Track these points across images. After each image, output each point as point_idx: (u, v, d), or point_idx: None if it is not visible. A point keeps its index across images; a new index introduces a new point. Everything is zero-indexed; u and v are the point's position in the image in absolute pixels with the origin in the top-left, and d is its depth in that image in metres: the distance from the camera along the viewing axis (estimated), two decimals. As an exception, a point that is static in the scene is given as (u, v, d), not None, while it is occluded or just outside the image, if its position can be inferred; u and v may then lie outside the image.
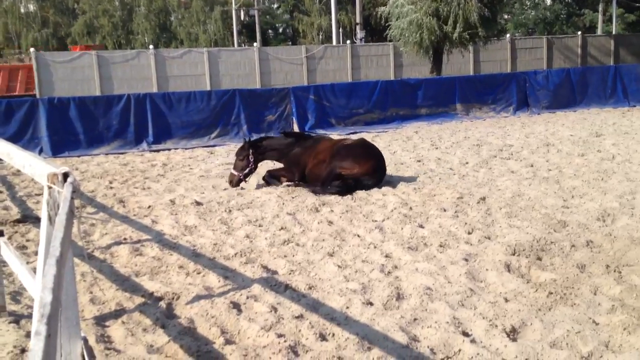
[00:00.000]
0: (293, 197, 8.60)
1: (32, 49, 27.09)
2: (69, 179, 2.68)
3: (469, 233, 6.52)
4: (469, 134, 15.28)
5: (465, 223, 6.85)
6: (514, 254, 5.74)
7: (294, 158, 9.45)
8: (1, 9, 63.35)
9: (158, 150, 14.61)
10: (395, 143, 14.14)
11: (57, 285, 1.57)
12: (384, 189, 8.90)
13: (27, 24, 62.11)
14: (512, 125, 16.86)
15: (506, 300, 4.72)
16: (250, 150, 9.43)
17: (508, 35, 33.28)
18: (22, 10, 63.80)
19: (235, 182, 9.43)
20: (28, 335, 4.33)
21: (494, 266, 5.44)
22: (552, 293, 4.79)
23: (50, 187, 2.70)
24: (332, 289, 5.07)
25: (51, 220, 2.61)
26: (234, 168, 9.54)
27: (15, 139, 12.84)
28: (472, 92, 19.09)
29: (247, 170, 9.41)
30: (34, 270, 4.16)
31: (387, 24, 24.68)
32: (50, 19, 63.71)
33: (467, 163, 10.92)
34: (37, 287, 2.50)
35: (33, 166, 3.26)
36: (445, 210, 7.46)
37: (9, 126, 14.08)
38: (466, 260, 5.66)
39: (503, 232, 6.47)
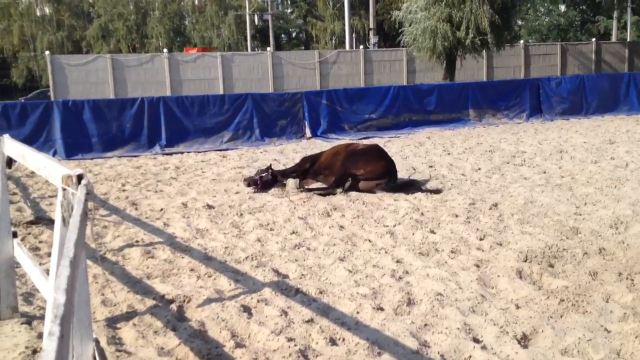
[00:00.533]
0: (304, 202, 8.61)
1: (47, 52, 27.39)
2: (83, 181, 2.70)
3: (481, 239, 6.49)
4: (481, 140, 15.23)
5: (477, 229, 6.83)
6: (525, 261, 5.71)
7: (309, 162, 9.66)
8: (17, 12, 64.07)
9: (171, 154, 14.69)
10: (408, 148, 14.12)
11: (70, 287, 1.59)
12: (396, 194, 8.89)
13: (43, 27, 62.73)
14: (525, 131, 16.78)
15: (517, 306, 4.69)
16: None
17: (522, 41, 33.17)
18: (38, 14, 64.49)
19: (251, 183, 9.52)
20: (40, 336, 4.36)
21: (505, 272, 5.42)
22: (563, 300, 4.76)
23: (64, 189, 2.73)
24: (343, 294, 5.07)
25: (65, 221, 2.64)
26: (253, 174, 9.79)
27: (29, 141, 12.97)
28: (485, 98, 19.03)
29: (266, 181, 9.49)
30: (47, 271, 4.20)
31: (400, 30, 24.70)
32: (66, 22, 64.32)
33: (479, 169, 10.89)
34: (50, 288, 2.53)
35: (47, 168, 3.29)
36: (457, 216, 7.44)
37: (24, 128, 14.23)
38: (477, 266, 5.64)
39: (515, 239, 6.44)
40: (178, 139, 15.33)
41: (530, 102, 19.59)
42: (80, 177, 2.73)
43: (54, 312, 1.45)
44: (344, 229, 7.14)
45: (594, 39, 35.08)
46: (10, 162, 4.66)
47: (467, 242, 6.42)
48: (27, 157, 3.88)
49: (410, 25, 23.60)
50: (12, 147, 4.39)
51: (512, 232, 6.70)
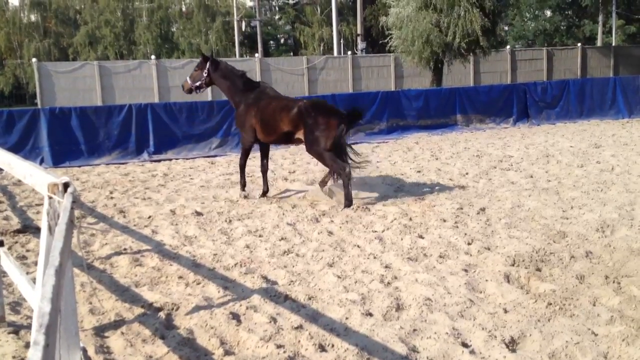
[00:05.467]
0: (293, 207, 8.61)
1: (34, 59, 27.23)
2: (69, 189, 2.69)
3: (469, 244, 6.52)
4: (469, 144, 15.31)
5: (465, 234, 6.86)
6: (513, 265, 5.75)
7: (245, 112, 9.46)
8: (3, 19, 63.66)
9: (159, 161, 14.63)
10: (396, 154, 14.17)
11: (56, 296, 1.58)
12: (384, 199, 8.92)
13: (29, 34, 62.37)
14: (512, 136, 16.90)
15: (505, 311, 4.72)
16: (207, 66, 9.81)
17: (508, 46, 33.40)
18: (24, 21, 64.10)
19: (186, 89, 10.07)
20: (27, 345, 4.33)
21: (493, 277, 5.45)
22: (551, 304, 4.79)
23: (50, 197, 2.72)
24: (332, 300, 5.07)
25: (51, 230, 2.63)
26: (190, 76, 10.07)
27: (16, 149, 12.91)
28: (472, 103, 19.14)
29: (198, 83, 9.90)
30: (34, 280, 4.17)
31: (388, 35, 24.78)
32: (52, 29, 63.96)
33: (467, 174, 10.95)
34: (37, 297, 2.51)
35: (34, 176, 3.28)
36: (445, 221, 7.48)
37: (11, 136, 14.12)
38: (466, 271, 5.67)
39: (503, 243, 6.48)
40: (166, 146, 15.28)
41: (517, 107, 19.74)
42: (66, 185, 2.73)
43: (39, 321, 1.44)
44: (333, 234, 7.15)
45: (579, 44, 35.39)
46: (-5, 170, 4.64)
47: (455, 246, 6.44)
48: (13, 165, 3.86)
49: (398, 30, 23.68)
50: (-2, 155, 4.36)
51: (499, 237, 6.74)
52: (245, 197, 9.47)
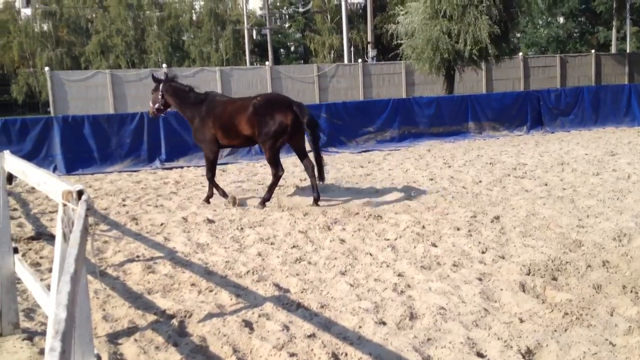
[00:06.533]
0: (305, 215, 8.59)
1: (46, 68, 27.48)
2: (83, 197, 2.69)
3: (483, 252, 6.46)
4: (482, 152, 15.24)
5: (479, 242, 6.80)
6: (528, 274, 5.68)
7: (202, 124, 9.61)
8: (16, 28, 64.38)
9: (171, 168, 14.68)
10: (408, 161, 14.12)
11: (71, 302, 1.57)
12: (397, 207, 8.88)
13: (42, 43, 63.00)
14: (525, 144, 16.80)
15: (521, 320, 4.66)
16: (160, 86, 10.00)
17: (520, 53, 33.29)
18: (37, 30, 64.78)
19: (150, 114, 10.37)
20: (42, 352, 4.33)
21: (508, 286, 5.38)
22: (568, 314, 4.73)
23: (64, 205, 2.71)
24: (345, 308, 5.03)
25: (65, 237, 2.62)
26: (150, 101, 10.27)
27: (30, 156, 12.99)
28: (485, 110, 19.07)
29: (157, 106, 10.09)
30: (48, 287, 4.17)
31: (398, 42, 24.78)
32: (65, 38, 64.59)
33: (480, 182, 10.88)
34: (51, 304, 2.51)
35: (48, 184, 3.28)
36: (458, 229, 7.42)
37: (24, 144, 14.24)
38: (480, 279, 5.61)
39: (517, 252, 6.41)
40: (178, 154, 15.33)
41: (530, 114, 19.64)
42: (80, 193, 2.72)
43: (55, 327, 1.43)
44: (345, 242, 7.11)
45: (593, 51, 35.20)
46: (10, 178, 4.65)
47: (469, 255, 6.39)
48: (28, 173, 3.87)
49: (409, 38, 23.68)
50: (13, 163, 4.38)
51: (514, 245, 6.67)
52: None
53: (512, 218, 7.92)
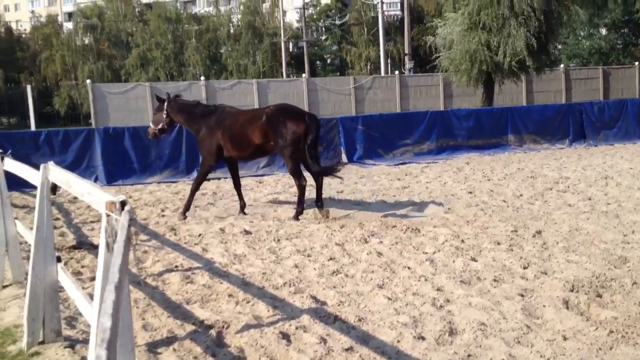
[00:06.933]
0: (341, 228, 8.55)
1: (88, 81, 28.17)
2: (126, 208, 2.72)
3: (525, 267, 6.33)
4: (522, 165, 14.99)
5: (521, 257, 6.66)
6: (572, 290, 5.53)
7: (208, 134, 9.68)
8: (59, 41, 66.22)
9: (208, 179, 14.76)
10: (446, 174, 13.98)
11: (116, 311, 1.57)
12: (435, 220, 8.78)
13: (84, 57, 64.64)
14: (568, 157, 16.46)
15: (565, 338, 4.53)
16: (165, 105, 9.96)
17: (562, 65, 32.75)
18: (79, 43, 66.52)
19: (151, 134, 10.24)
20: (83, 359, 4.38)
21: (551, 302, 5.25)
22: (613, 332, 4.58)
23: (108, 215, 2.75)
24: (383, 322, 4.97)
25: (109, 247, 2.65)
26: (152, 121, 10.27)
27: (72, 167, 13.26)
28: (525, 123, 18.75)
29: (160, 126, 10.03)
30: (90, 295, 4.23)
31: (436, 55, 24.67)
32: (106, 51, 66.17)
33: (521, 195, 10.68)
34: (95, 312, 2.53)
35: (91, 194, 3.33)
36: (499, 244, 7.28)
37: (67, 155, 14.54)
38: (522, 295, 5.49)
39: (560, 268, 6.25)
40: (216, 165, 15.45)
41: (572, 127, 19.23)
42: (123, 204, 2.75)
43: (101, 336, 1.43)
44: (382, 255, 7.04)
45: (637, 63, 34.42)
46: (54, 188, 4.74)
47: (510, 270, 6.26)
48: (72, 183, 3.94)
49: (447, 50, 23.55)
50: (57, 174, 4.47)
51: (557, 261, 6.51)
52: (183, 219, 9.56)
53: (554, 233, 7.74)
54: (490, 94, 24.46)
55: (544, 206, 9.64)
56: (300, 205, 9.44)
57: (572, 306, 5.17)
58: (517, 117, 18.72)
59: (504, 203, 10.04)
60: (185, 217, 9.61)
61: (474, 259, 6.70)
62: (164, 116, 9.92)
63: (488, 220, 8.67)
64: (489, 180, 12.74)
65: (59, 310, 4.78)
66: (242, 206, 10.01)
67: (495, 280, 5.93)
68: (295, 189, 10.85)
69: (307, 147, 9.23)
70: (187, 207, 9.79)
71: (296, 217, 9.31)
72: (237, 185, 10.19)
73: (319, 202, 9.54)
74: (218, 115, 9.71)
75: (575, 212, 8.99)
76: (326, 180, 13.46)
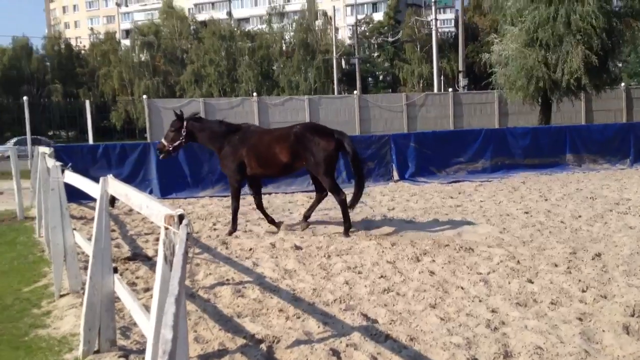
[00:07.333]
0: (392, 245, 8.47)
1: (144, 96, 28.98)
2: (184, 221, 2.75)
3: (583, 291, 6.11)
4: (581, 185, 14.56)
5: (579, 280, 6.44)
6: (633, 315, 5.31)
7: (232, 152, 9.63)
8: (116, 58, 68.44)
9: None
10: (501, 193, 13.70)
11: (176, 323, 1.58)
12: (489, 240, 8.61)
13: (140, 73, 66.60)
14: (629, 178, 15.90)
15: (627, 365, 4.34)
16: (185, 124, 9.75)
17: (623, 84, 31.81)
18: (136, 60, 68.62)
19: (163, 152, 9.91)
20: (136, 370, 4.44)
21: (611, 327, 5.05)
22: (678, 360, 4.37)
23: (166, 228, 2.79)
24: (435, 342, 4.88)
25: (166, 259, 2.68)
26: (165, 138, 9.93)
27: (128, 180, 13.59)
28: (584, 142, 18.22)
29: (176, 143, 9.77)
30: (144, 306, 4.29)
31: (491, 72, 24.35)
32: (161, 68, 68.02)
33: (579, 216, 10.35)
34: (152, 324, 2.57)
35: (150, 207, 3.39)
36: (556, 266, 7.07)
37: (123, 168, 14.94)
38: (580, 319, 5.30)
39: (621, 292, 6.02)
40: (266, 180, 15.53)
41: (634, 147, 18.57)
42: (181, 217, 2.79)
43: (163, 347, 1.44)
44: (435, 274, 6.93)
45: (700, 81, 33.16)
46: (113, 200, 4.86)
47: (568, 293, 6.06)
48: (130, 196, 4.02)
49: (502, 67, 23.21)
50: (116, 187, 4.57)
51: (617, 285, 6.27)
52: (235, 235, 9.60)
53: (614, 256, 7.47)
54: (548, 112, 23.94)
55: (603, 228, 9.32)
56: (347, 221, 9.41)
57: (633, 331, 4.97)
58: (576, 136, 18.23)
59: (561, 224, 9.75)
60: (230, 235, 9.64)
61: (530, 281, 6.52)
62: (183, 134, 9.75)
63: (545, 241, 8.44)
64: (546, 200, 12.41)
65: (114, 320, 4.88)
66: (271, 221, 10.00)
67: (552, 303, 5.75)
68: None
69: (352, 164, 9.47)
70: (233, 227, 9.82)
71: (346, 233, 9.28)
72: (260, 204, 10.09)
73: (310, 213, 9.93)
74: (242, 134, 9.71)
75: (636, 235, 8.65)
76: (377, 197, 13.45)
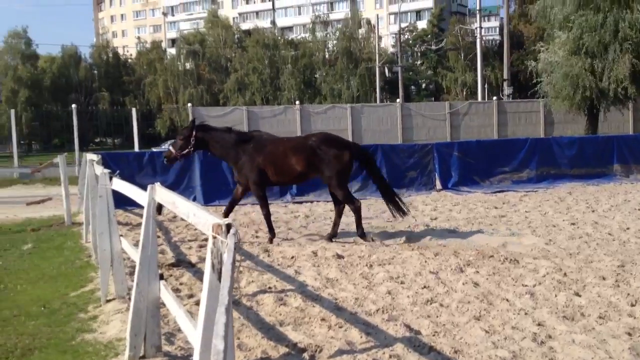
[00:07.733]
0: (436, 255, 8.38)
1: (189, 104, 29.47)
2: (232, 231, 2.78)
3: (632, 305, 5.94)
4: (629, 197, 14.16)
5: (628, 294, 6.26)
6: (686, 332, 5.13)
7: (249, 161, 9.61)
8: (162, 67, 69.77)
9: (301, 202, 15.00)
10: (547, 204, 13.43)
11: (227, 334, 1.61)
12: (535, 251, 8.44)
13: (185, 81, 67.74)
14: (680, 189, 15.41)
15: (681, 384, 4.20)
16: (194, 133, 9.70)
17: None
18: (181, 68, 69.86)
19: (170, 159, 9.95)
20: (180, 376, 4.51)
21: (662, 344, 4.89)
22: None
23: (214, 237, 2.83)
24: (480, 355, 4.81)
25: (214, 268, 2.72)
26: (173, 145, 9.94)
27: (173, 187, 13.84)
28: (632, 152, 17.76)
29: (184, 152, 9.73)
30: (189, 313, 4.35)
31: (537, 80, 23.93)
32: (205, 76, 69.06)
33: (628, 229, 10.07)
34: (199, 331, 2.60)
35: (197, 216, 3.45)
36: (604, 279, 6.89)
37: (168, 175, 15.19)
38: (630, 334, 5.15)
39: (674, 307, 5.82)
40: (308, 189, 15.61)
41: (683, 157, 18.01)
42: (229, 227, 2.82)
43: (215, 358, 1.46)
44: (479, 286, 6.83)
45: None
46: (160, 208, 4.95)
47: (617, 307, 5.89)
48: (178, 204, 4.10)
49: (548, 75, 22.79)
50: (163, 194, 4.66)
51: (669, 300, 6.07)
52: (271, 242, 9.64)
53: (666, 270, 7.23)
54: (595, 121, 23.40)
55: (654, 241, 9.05)
56: (360, 228, 9.69)
57: (688, 350, 4.79)
58: (624, 146, 17.77)
59: (609, 236, 9.50)
60: (271, 242, 9.69)
61: (577, 294, 6.36)
62: (192, 141, 9.68)
63: (592, 253, 8.23)
64: (593, 211, 12.12)
65: (159, 326, 4.96)
66: (271, 238, 9.87)
67: (600, 317, 5.61)
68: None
69: (371, 175, 9.83)
70: (272, 233, 9.87)
71: (363, 237, 9.57)
72: (227, 213, 10.24)
73: (335, 231, 9.93)
74: (256, 143, 9.71)
75: (689, 249, 8.37)
76: (419, 207, 13.34)
